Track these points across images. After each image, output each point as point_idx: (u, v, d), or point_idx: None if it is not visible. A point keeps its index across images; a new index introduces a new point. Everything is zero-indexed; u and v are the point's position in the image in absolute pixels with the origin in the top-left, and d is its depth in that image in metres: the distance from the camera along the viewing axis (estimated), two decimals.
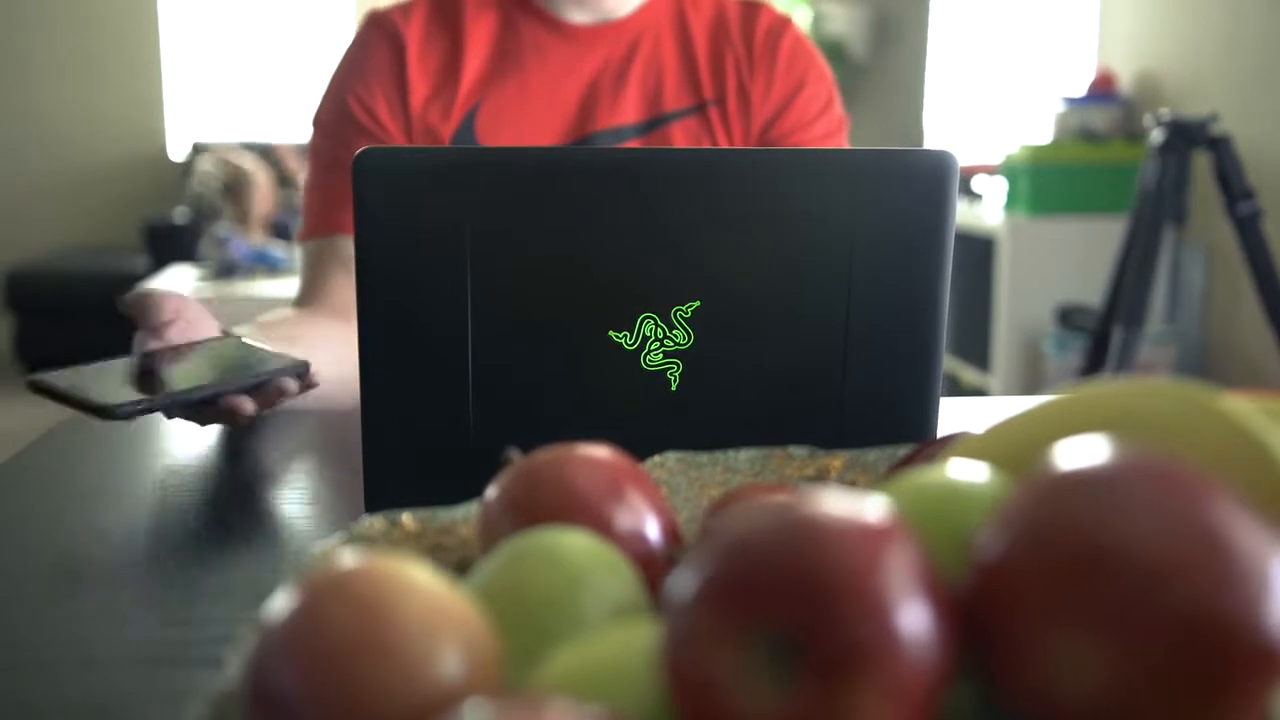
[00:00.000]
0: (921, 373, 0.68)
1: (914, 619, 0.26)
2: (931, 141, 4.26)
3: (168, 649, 0.51)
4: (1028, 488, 0.28)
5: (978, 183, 3.31)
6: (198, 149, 4.87)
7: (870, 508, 0.28)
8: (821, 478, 0.53)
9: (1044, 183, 2.85)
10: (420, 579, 0.31)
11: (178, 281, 3.61)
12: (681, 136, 1.11)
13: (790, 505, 0.28)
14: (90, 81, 4.95)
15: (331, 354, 0.84)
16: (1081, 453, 0.29)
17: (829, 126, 1.15)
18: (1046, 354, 2.84)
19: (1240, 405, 0.32)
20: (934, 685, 0.27)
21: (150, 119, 5.02)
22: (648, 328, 0.64)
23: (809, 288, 0.66)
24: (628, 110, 1.11)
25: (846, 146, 1.22)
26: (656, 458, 0.53)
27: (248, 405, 0.75)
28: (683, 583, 0.28)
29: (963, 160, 3.49)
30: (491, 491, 0.43)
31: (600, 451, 0.44)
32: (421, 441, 0.65)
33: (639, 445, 0.60)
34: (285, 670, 0.29)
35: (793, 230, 0.65)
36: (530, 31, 1.11)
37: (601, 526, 0.42)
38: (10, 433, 3.54)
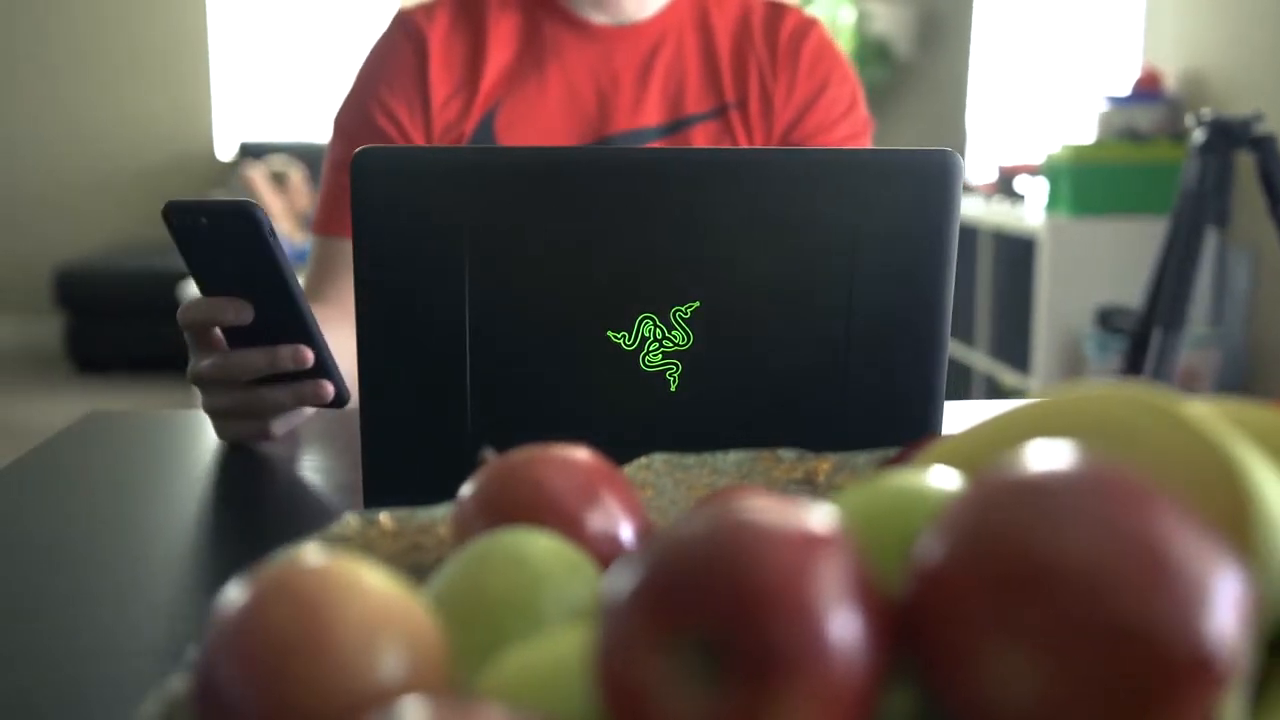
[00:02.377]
0: (926, 374, 0.67)
1: (842, 625, 0.26)
2: (975, 141, 4.21)
3: (174, 643, 0.52)
4: (966, 495, 0.28)
5: (1020, 183, 3.27)
6: (245, 149, 4.94)
7: (806, 514, 0.28)
8: (810, 480, 0.52)
9: (1086, 183, 2.82)
10: (366, 579, 0.31)
11: None
12: (702, 139, 1.11)
13: (723, 511, 0.27)
14: (140, 84, 5.03)
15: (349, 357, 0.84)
16: (1024, 460, 0.28)
17: (852, 129, 1.14)
18: (1087, 356, 2.80)
19: (1202, 411, 0.32)
20: (864, 691, 0.26)
21: (198, 120, 5.09)
22: (646, 328, 0.64)
23: (810, 288, 0.65)
24: (649, 112, 1.11)
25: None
26: (642, 459, 0.53)
27: (308, 355, 0.76)
28: (614, 587, 0.27)
29: (1005, 160, 3.45)
30: (465, 491, 0.43)
31: (576, 453, 0.44)
32: (420, 441, 0.65)
33: (638, 446, 0.59)
34: (227, 666, 0.30)
35: (793, 230, 0.64)
36: (552, 32, 1.12)
37: (573, 528, 0.41)
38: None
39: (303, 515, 0.71)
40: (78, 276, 4.44)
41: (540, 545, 0.37)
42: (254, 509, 0.73)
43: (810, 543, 0.27)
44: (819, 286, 0.65)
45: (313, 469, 0.80)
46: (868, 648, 0.26)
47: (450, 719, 0.26)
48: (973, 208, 3.37)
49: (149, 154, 5.10)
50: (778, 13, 1.15)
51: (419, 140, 1.10)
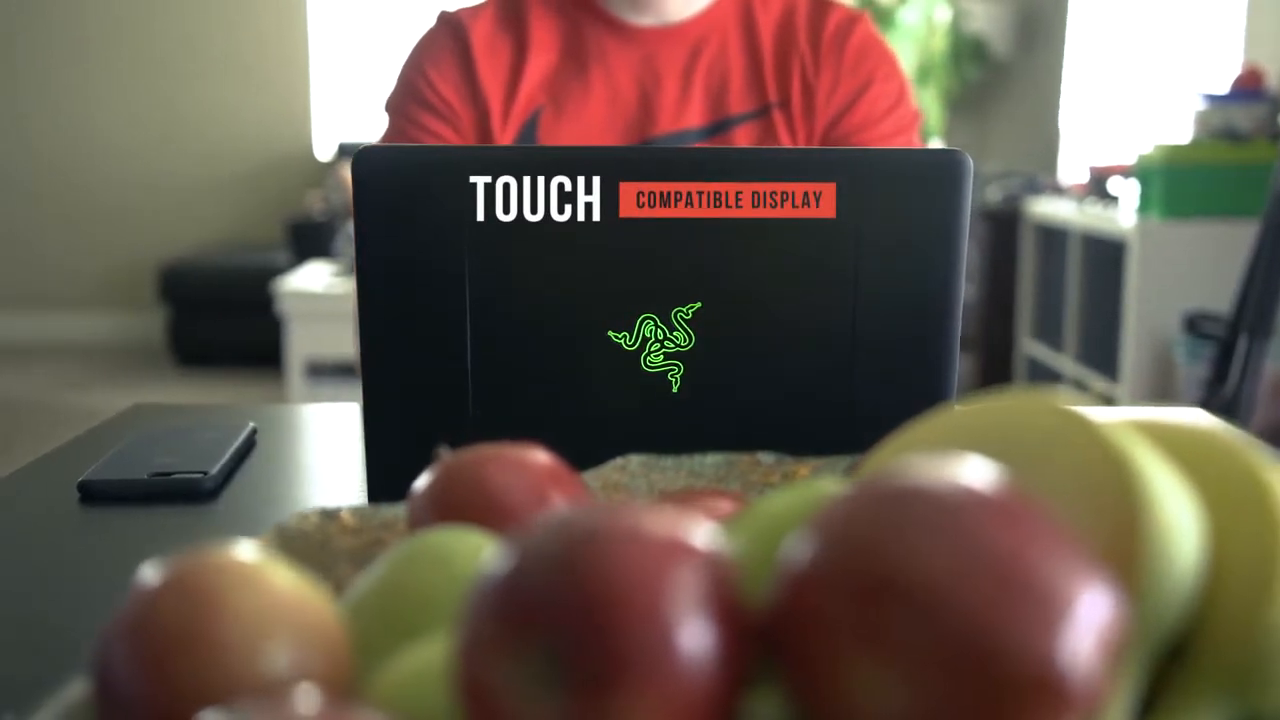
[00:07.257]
0: (934, 377, 0.66)
1: (689, 633, 0.25)
2: (1069, 141, 4.11)
3: None
4: (833, 503, 0.27)
5: (1113, 184, 3.18)
6: (343, 149, 5.04)
7: (667, 522, 0.27)
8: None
9: (1179, 184, 2.73)
10: (265, 575, 0.32)
11: (312, 277, 3.73)
12: (745, 139, 1.10)
13: (579, 518, 0.27)
14: (242, 87, 5.17)
15: None
16: (900, 470, 0.27)
17: (898, 124, 1.12)
18: (1177, 363, 2.71)
19: (1114, 421, 0.30)
20: (716, 700, 0.26)
21: (297, 122, 5.22)
22: (647, 328, 0.64)
23: (813, 290, 0.64)
24: (692, 113, 1.10)
25: (917, 145, 1.19)
26: (619, 459, 0.53)
27: None
28: (475, 588, 0.27)
29: (1099, 160, 3.36)
30: (416, 489, 0.43)
31: (529, 453, 0.44)
32: (422, 441, 0.65)
33: (640, 447, 0.59)
34: (120, 659, 0.30)
35: (796, 230, 0.63)
36: (594, 34, 1.12)
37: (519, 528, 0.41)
38: None
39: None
40: (181, 273, 4.58)
41: (467, 545, 0.37)
42: (276, 505, 0.74)
43: (664, 550, 0.26)
44: (822, 288, 0.64)
45: (337, 463, 0.81)
46: (720, 656, 0.26)
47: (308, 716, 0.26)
48: (1063, 209, 3.29)
49: (250, 155, 5.23)
50: (822, 9, 1.13)
51: (464, 119, 1.10)
